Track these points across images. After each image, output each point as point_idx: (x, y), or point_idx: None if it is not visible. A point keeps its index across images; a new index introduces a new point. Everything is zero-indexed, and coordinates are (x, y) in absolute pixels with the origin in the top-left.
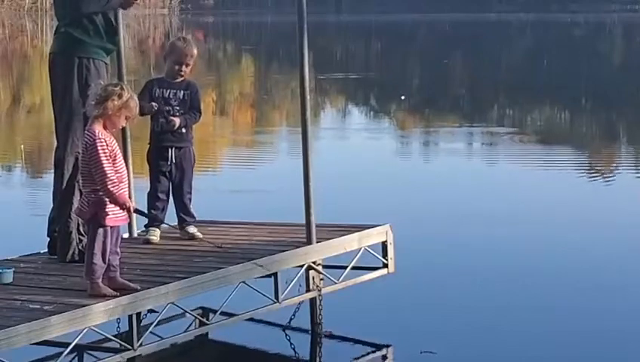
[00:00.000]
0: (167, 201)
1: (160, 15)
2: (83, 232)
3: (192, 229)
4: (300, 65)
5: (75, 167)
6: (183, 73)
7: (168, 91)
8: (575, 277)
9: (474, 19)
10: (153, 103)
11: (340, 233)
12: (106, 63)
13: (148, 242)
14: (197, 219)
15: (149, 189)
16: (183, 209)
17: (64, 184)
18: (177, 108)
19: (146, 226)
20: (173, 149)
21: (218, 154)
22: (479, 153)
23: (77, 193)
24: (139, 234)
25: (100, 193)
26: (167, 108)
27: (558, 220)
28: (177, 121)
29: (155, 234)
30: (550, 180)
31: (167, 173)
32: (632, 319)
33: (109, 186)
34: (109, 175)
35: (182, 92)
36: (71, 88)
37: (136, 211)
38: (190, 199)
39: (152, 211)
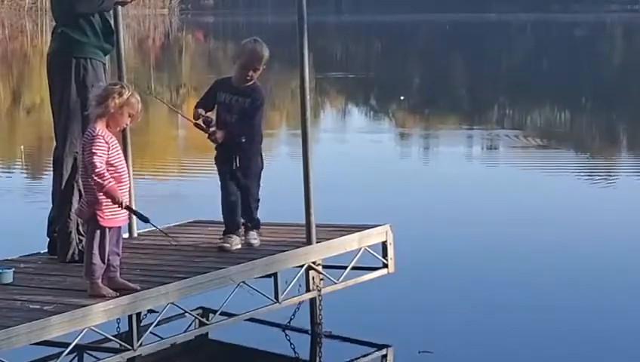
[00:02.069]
0: (238, 204)
1: (160, 15)
2: (83, 232)
3: (251, 236)
4: (300, 65)
5: (74, 167)
6: (249, 78)
7: (231, 97)
8: (575, 277)
9: (474, 19)
10: (200, 111)
11: (340, 233)
12: (103, 63)
13: (222, 250)
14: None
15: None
16: (246, 214)
17: (63, 184)
18: (236, 116)
19: (224, 233)
20: (237, 157)
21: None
22: (479, 154)
23: (76, 193)
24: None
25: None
26: (210, 120)
27: (559, 221)
28: (220, 135)
29: (230, 242)
30: (550, 181)
31: (233, 179)
32: (632, 319)
33: (97, 179)
34: (98, 168)
35: (244, 100)
36: (69, 89)
37: (128, 208)
38: (257, 206)
39: (228, 216)
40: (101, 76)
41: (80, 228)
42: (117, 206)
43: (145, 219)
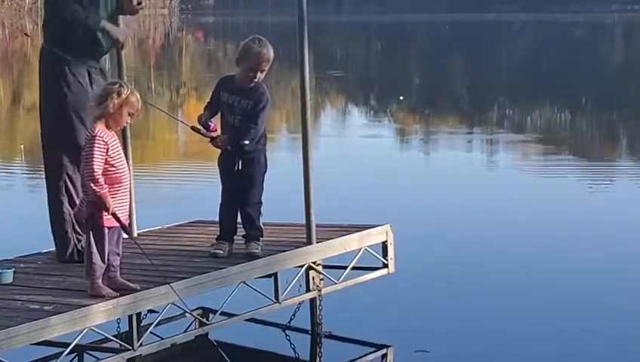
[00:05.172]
0: (236, 210)
1: (160, 15)
2: (80, 231)
3: (253, 248)
4: (300, 65)
5: (60, 165)
6: (256, 80)
7: (233, 98)
8: (576, 277)
9: (474, 19)
10: (205, 117)
11: (340, 233)
12: (94, 68)
13: (215, 256)
14: (261, 229)
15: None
16: (247, 221)
17: (51, 184)
18: (239, 117)
19: (217, 239)
20: (240, 159)
21: (217, 154)
22: (479, 154)
23: (64, 191)
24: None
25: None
26: (209, 123)
27: (559, 222)
28: (222, 140)
29: (223, 249)
30: (550, 182)
31: (234, 182)
32: (630, 319)
33: (92, 185)
34: (95, 174)
35: (247, 101)
36: (50, 90)
37: (114, 215)
38: (258, 210)
39: (224, 223)
40: (84, 79)
41: (76, 226)
42: (106, 212)
43: (128, 232)
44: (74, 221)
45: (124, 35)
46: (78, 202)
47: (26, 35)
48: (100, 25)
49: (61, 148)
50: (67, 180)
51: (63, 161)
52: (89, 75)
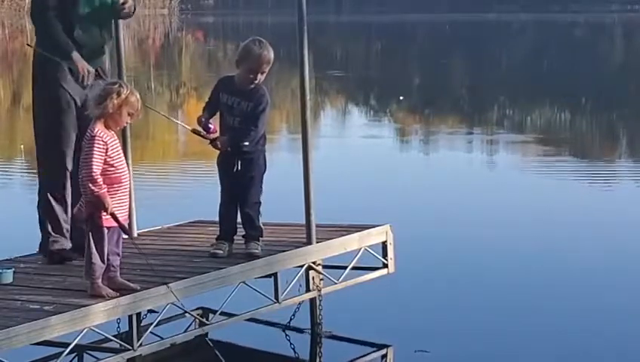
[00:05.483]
0: (236, 210)
1: (160, 15)
2: (52, 231)
3: (252, 248)
4: (300, 65)
5: (48, 166)
6: (256, 82)
7: (233, 99)
8: (574, 278)
9: (474, 19)
10: (204, 118)
11: (340, 233)
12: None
13: (215, 256)
14: (260, 228)
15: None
16: (247, 221)
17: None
18: (238, 119)
19: (217, 239)
20: (239, 159)
21: (217, 154)
22: (479, 154)
23: (51, 192)
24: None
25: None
26: (210, 126)
27: (559, 222)
28: (222, 141)
29: (223, 249)
30: (550, 182)
31: (233, 183)
32: (630, 319)
33: (90, 185)
34: (94, 174)
35: (246, 103)
36: (34, 87)
37: (112, 215)
38: (258, 210)
39: (224, 223)
40: (64, 79)
41: (50, 229)
42: (104, 212)
43: (127, 233)
44: (50, 222)
45: (84, 70)
46: (57, 205)
47: (29, 45)
48: (70, 55)
49: (48, 149)
50: (54, 181)
51: (50, 161)
52: (73, 74)
